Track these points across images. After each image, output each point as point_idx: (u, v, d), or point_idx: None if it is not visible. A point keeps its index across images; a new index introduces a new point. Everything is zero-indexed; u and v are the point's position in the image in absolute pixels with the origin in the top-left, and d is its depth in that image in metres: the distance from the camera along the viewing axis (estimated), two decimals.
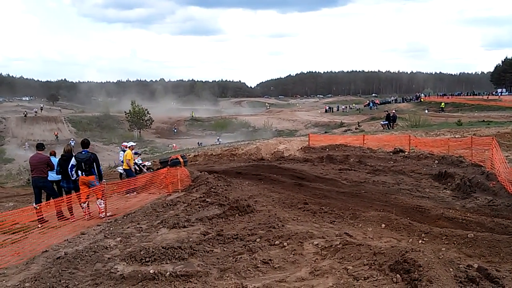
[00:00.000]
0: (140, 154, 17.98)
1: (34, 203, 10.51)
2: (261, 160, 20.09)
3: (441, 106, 65.72)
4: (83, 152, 10.35)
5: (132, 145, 14.64)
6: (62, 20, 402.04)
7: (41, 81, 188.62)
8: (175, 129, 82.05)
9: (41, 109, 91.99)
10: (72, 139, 66.42)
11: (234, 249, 6.60)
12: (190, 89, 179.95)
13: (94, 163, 10.34)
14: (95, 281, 5.72)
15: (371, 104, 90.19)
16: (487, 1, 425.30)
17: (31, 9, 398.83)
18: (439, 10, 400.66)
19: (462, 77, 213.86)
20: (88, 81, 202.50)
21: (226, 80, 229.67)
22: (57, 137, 69.07)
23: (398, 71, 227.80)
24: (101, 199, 10.17)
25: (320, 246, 6.27)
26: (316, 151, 21.19)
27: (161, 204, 10.54)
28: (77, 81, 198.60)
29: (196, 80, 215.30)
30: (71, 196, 10.48)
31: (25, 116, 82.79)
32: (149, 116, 76.85)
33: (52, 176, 10.87)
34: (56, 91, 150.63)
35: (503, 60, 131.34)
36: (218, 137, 60.52)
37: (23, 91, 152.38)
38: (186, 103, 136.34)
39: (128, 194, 12.72)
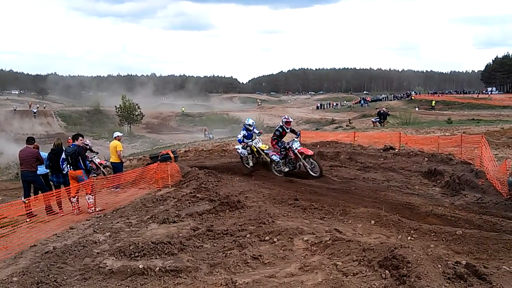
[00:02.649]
0: (98, 153, 17.23)
1: (22, 197, 10.44)
2: None
3: (432, 104, 66.19)
4: (71, 146, 10.29)
5: (119, 136, 14.26)
6: (52, 13, 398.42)
7: (31, 74, 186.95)
8: (210, 134, 60.59)
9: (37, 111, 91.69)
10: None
11: (224, 245, 6.59)
12: (181, 84, 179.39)
13: (80, 157, 10.22)
14: (84, 275, 5.69)
15: (362, 102, 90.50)
16: (479, 0, 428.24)
17: (20, 2, 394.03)
18: (431, 8, 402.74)
19: (453, 76, 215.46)
20: (78, 75, 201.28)
21: (217, 76, 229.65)
22: (30, 106, 71.60)
23: (390, 69, 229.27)
24: (90, 194, 10.10)
25: (310, 242, 6.28)
26: (307, 148, 21.20)
27: (151, 199, 10.50)
28: (67, 75, 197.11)
29: (187, 76, 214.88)
30: (60, 191, 10.41)
31: (30, 106, 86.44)
32: (140, 111, 76.54)
33: (40, 170, 10.79)
34: (46, 85, 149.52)
35: (493, 59, 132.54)
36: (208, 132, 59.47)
37: (13, 84, 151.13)
38: (177, 98, 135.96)
39: (116, 189, 12.60)
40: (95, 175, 13.89)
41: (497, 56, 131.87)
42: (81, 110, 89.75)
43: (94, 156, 15.94)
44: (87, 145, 15.23)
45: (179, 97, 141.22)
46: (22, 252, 6.97)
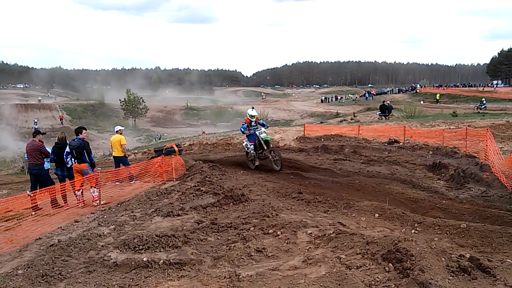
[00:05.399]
0: None
1: (28, 191, 10.48)
2: None
3: (436, 97, 65.85)
4: (75, 140, 10.30)
5: (120, 129, 14.17)
6: (57, 7, 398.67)
7: (35, 68, 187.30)
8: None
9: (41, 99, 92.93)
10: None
11: (228, 238, 6.61)
12: (185, 78, 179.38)
13: (85, 151, 10.25)
14: (89, 268, 5.72)
15: (367, 95, 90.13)
16: None
17: None
18: (436, 0, 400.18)
19: (458, 69, 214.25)
20: (83, 69, 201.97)
21: (221, 69, 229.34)
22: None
23: (394, 62, 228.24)
24: (95, 187, 10.13)
25: (313, 235, 6.29)
26: (311, 141, 21.18)
27: (156, 192, 10.52)
28: (72, 69, 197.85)
29: (191, 69, 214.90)
30: (65, 184, 10.44)
31: (39, 101, 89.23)
32: (144, 105, 76.60)
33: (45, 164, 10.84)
34: (51, 79, 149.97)
35: (499, 52, 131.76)
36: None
37: (18, 78, 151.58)
38: (181, 92, 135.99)
39: (132, 181, 12.70)
40: None
41: (502, 49, 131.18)
42: (85, 103, 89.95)
43: None
44: None
45: (183, 90, 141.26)
46: (27, 245, 7.01)
